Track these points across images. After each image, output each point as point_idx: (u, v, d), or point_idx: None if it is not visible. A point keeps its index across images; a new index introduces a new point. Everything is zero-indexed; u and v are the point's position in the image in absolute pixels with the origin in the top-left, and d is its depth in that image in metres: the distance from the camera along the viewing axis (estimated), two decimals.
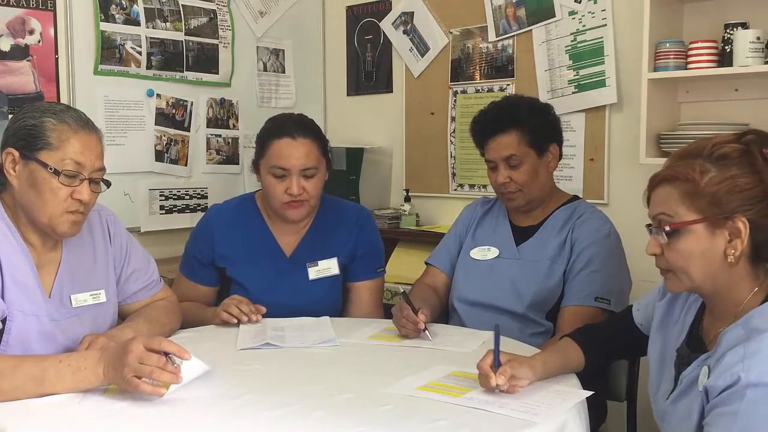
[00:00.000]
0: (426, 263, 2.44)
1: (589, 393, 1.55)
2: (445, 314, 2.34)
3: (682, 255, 1.38)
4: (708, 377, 1.32)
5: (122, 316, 1.98)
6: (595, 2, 2.92)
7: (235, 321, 2.07)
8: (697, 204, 1.35)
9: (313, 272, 2.30)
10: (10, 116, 2.51)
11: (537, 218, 2.27)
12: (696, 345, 1.46)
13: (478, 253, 2.29)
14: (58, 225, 1.70)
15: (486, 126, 2.22)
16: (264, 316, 2.12)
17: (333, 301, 2.34)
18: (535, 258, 2.21)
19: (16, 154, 1.69)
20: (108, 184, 1.78)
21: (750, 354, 1.26)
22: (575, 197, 2.33)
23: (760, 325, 1.30)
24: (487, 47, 3.27)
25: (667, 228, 1.38)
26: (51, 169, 1.67)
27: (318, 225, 2.35)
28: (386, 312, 2.45)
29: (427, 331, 1.94)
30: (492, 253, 2.27)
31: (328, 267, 2.32)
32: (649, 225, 1.45)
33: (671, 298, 1.58)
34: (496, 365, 1.52)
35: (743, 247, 1.34)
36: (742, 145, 1.36)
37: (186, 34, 3.23)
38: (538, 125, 2.19)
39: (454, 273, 2.34)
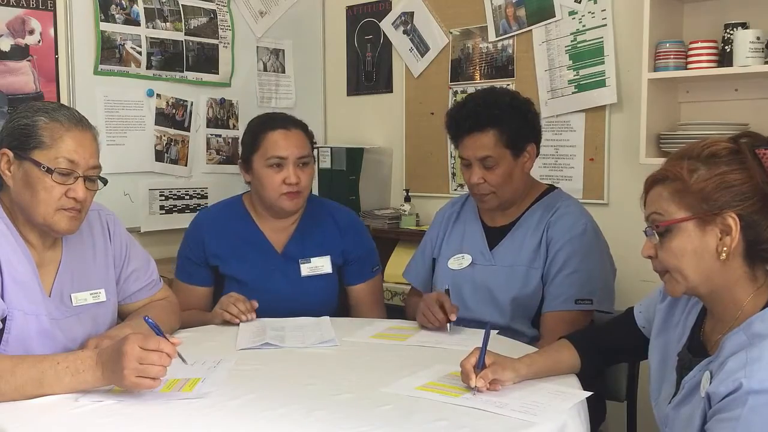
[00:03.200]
0: (403, 276, 2.45)
1: (589, 393, 1.55)
2: None
3: (674, 254, 1.38)
4: (710, 383, 1.32)
5: (122, 316, 1.98)
6: (595, 2, 2.92)
7: (237, 321, 2.08)
8: (686, 201, 1.36)
9: (306, 269, 2.33)
10: None
11: (511, 216, 2.21)
12: (697, 349, 1.45)
13: (454, 263, 2.24)
14: (55, 223, 1.70)
15: (462, 122, 2.14)
16: (259, 312, 2.13)
17: (328, 299, 2.35)
18: (511, 263, 2.16)
19: (11, 154, 1.69)
20: (105, 181, 1.78)
21: (752, 360, 1.26)
22: (551, 188, 2.26)
23: (762, 331, 1.29)
24: (487, 47, 3.27)
25: (659, 227, 1.39)
26: (44, 167, 1.66)
27: (306, 222, 2.38)
28: (389, 311, 2.46)
29: (449, 324, 1.99)
30: (466, 260, 2.22)
31: (320, 265, 2.34)
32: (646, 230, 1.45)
33: (672, 301, 1.58)
34: (480, 366, 1.53)
35: (735, 244, 1.33)
36: (732, 145, 1.37)
37: (186, 34, 3.23)
38: (516, 126, 2.11)
39: (431, 285, 2.31)
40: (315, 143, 2.42)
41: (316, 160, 2.45)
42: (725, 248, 1.33)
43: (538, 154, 2.21)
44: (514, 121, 2.11)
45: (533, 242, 2.14)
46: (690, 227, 1.36)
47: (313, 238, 2.36)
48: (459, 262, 2.24)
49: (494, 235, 2.23)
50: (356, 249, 2.38)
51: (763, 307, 1.34)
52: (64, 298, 1.79)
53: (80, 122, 1.73)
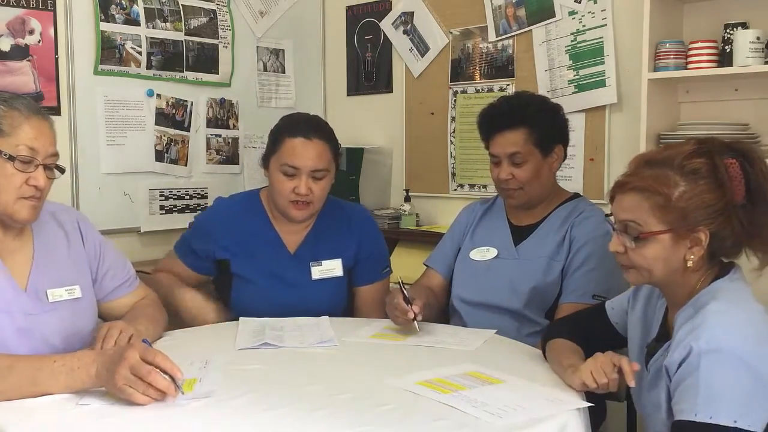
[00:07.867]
0: (424, 264, 2.45)
1: (589, 404, 1.53)
2: (444, 314, 2.34)
3: (646, 259, 1.48)
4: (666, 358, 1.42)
5: (104, 316, 1.96)
6: (595, 2, 2.92)
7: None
8: (666, 217, 1.45)
9: (317, 272, 2.30)
10: None
11: (537, 216, 2.28)
12: (663, 337, 1.54)
13: (477, 254, 2.30)
14: (16, 212, 1.68)
15: (494, 120, 2.24)
16: (266, 315, 2.12)
17: (336, 303, 2.32)
18: (534, 256, 2.21)
19: None
20: (62, 170, 1.77)
21: (697, 325, 1.37)
22: (576, 195, 2.33)
23: (705, 301, 1.42)
24: (487, 47, 3.28)
25: (636, 235, 1.47)
26: (5, 155, 1.65)
27: (321, 224, 2.34)
28: None
29: (416, 323, 1.95)
30: (491, 253, 2.28)
31: (332, 267, 2.31)
32: (609, 215, 1.57)
33: (643, 308, 1.65)
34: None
35: (701, 254, 1.45)
36: (708, 159, 1.44)
37: (186, 34, 3.23)
38: (546, 125, 2.20)
39: (452, 274, 2.35)
40: (340, 153, 2.32)
41: None
42: (692, 257, 1.46)
43: (565, 157, 2.29)
44: (544, 122, 2.20)
45: (557, 238, 2.21)
46: (665, 239, 1.46)
47: (327, 240, 2.33)
48: (483, 254, 2.29)
49: (520, 234, 2.28)
50: (368, 248, 2.36)
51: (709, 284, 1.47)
52: (40, 294, 1.77)
53: (38, 111, 1.73)
